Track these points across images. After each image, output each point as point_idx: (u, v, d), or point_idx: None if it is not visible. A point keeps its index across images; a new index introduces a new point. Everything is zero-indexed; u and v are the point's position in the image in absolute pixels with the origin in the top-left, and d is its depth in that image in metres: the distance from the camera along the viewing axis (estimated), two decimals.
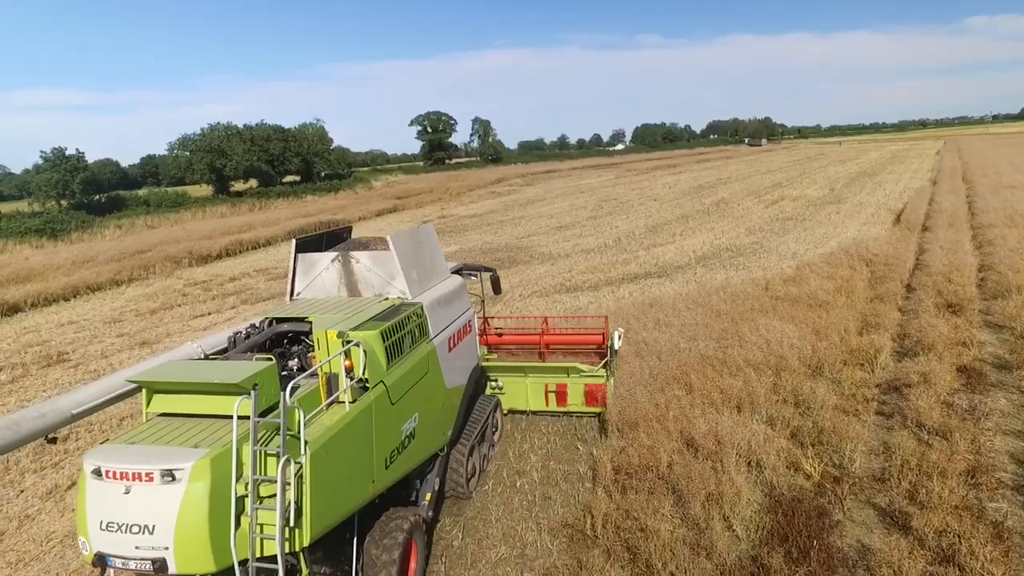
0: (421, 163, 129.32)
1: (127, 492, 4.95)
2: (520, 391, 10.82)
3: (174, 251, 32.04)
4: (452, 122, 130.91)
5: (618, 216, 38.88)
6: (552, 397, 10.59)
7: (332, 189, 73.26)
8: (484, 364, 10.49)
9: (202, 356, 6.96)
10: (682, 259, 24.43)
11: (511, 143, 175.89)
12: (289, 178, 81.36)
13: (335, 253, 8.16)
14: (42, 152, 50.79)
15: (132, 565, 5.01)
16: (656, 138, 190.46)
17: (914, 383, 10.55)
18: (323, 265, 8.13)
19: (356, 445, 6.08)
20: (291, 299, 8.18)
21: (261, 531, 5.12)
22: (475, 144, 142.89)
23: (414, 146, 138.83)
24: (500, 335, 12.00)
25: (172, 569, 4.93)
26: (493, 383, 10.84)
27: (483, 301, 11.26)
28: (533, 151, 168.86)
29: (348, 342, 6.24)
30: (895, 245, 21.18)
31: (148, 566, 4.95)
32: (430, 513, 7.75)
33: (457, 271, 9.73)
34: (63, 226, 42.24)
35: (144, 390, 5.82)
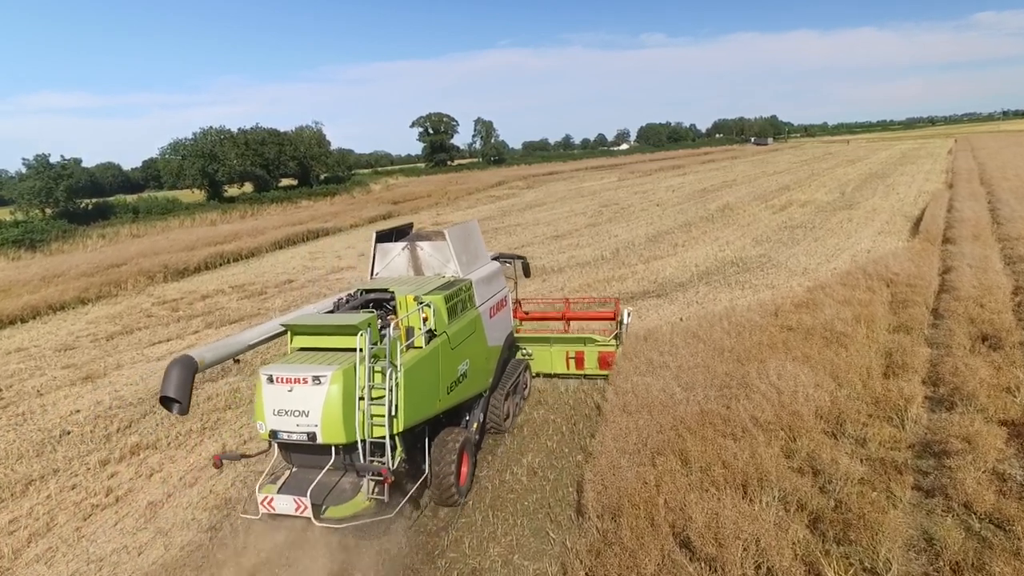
0: (423, 165, 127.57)
1: (291, 391, 7.41)
2: (546, 357, 13.16)
3: (149, 265, 30.44)
4: (454, 123, 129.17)
5: (618, 223, 37.09)
6: (572, 362, 12.97)
7: (329, 193, 71.61)
8: (517, 336, 12.85)
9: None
10: (683, 274, 22.65)
11: (515, 143, 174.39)
12: (286, 182, 79.87)
13: (404, 243, 10.79)
14: (24, 159, 49.39)
15: (294, 437, 7.51)
16: (661, 138, 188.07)
17: (956, 450, 8.76)
18: (395, 252, 10.79)
19: (430, 372, 8.46)
20: (371, 277, 10.80)
21: (372, 420, 7.58)
22: (477, 145, 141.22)
23: (417, 147, 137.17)
24: (527, 313, 14.34)
25: (319, 440, 7.40)
26: (525, 352, 13.16)
27: (515, 282, 13.54)
28: (537, 152, 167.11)
29: (422, 303, 8.59)
30: (916, 261, 19.33)
31: (304, 437, 7.45)
32: (476, 437, 10.11)
33: (496, 258, 12.11)
34: (43, 236, 40.72)
35: (289, 332, 8.45)
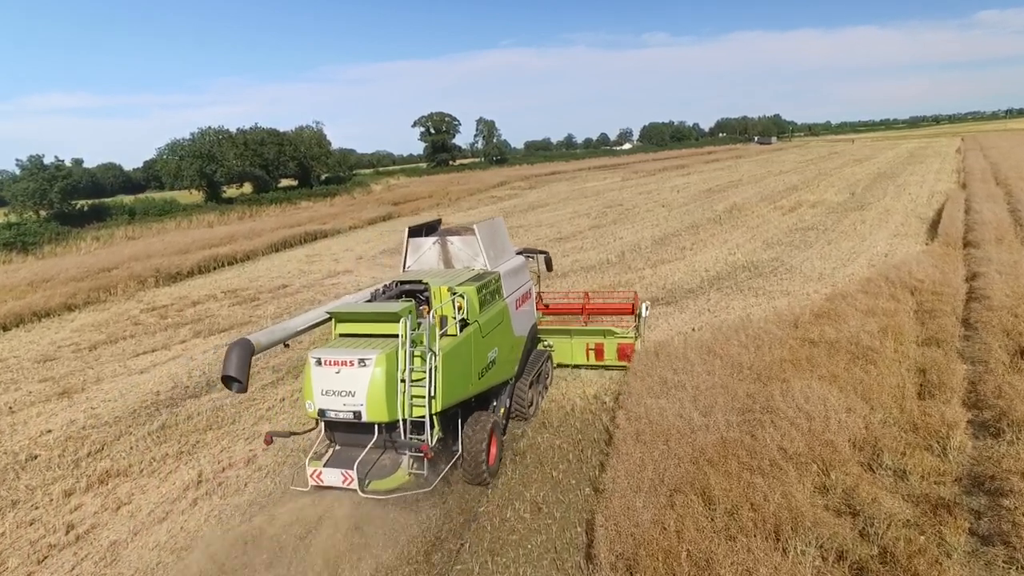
0: (424, 165, 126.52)
1: (338, 372, 8.06)
2: (567, 349, 13.70)
3: (141, 269, 29.53)
4: (455, 123, 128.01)
5: (623, 225, 36.12)
6: (592, 354, 13.53)
7: (329, 194, 70.68)
8: (539, 328, 13.25)
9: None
10: (693, 280, 21.69)
11: (517, 143, 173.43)
12: (285, 182, 78.92)
13: (436, 237, 11.26)
14: (18, 160, 48.48)
15: (340, 416, 8.14)
16: (664, 137, 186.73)
17: (1013, 488, 7.80)
18: (427, 246, 11.27)
19: (464, 357, 8.90)
20: (404, 270, 11.24)
21: (412, 400, 8.16)
22: (479, 145, 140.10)
23: (419, 147, 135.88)
24: (547, 307, 14.76)
25: (364, 417, 8.02)
26: (547, 344, 13.52)
27: (538, 276, 14.24)
28: (539, 151, 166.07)
29: (455, 294, 9.16)
30: (940, 267, 18.34)
31: (350, 416, 8.08)
32: (503, 421, 10.70)
33: (520, 252, 12.70)
34: (35, 238, 39.85)
35: (334, 319, 9.02)
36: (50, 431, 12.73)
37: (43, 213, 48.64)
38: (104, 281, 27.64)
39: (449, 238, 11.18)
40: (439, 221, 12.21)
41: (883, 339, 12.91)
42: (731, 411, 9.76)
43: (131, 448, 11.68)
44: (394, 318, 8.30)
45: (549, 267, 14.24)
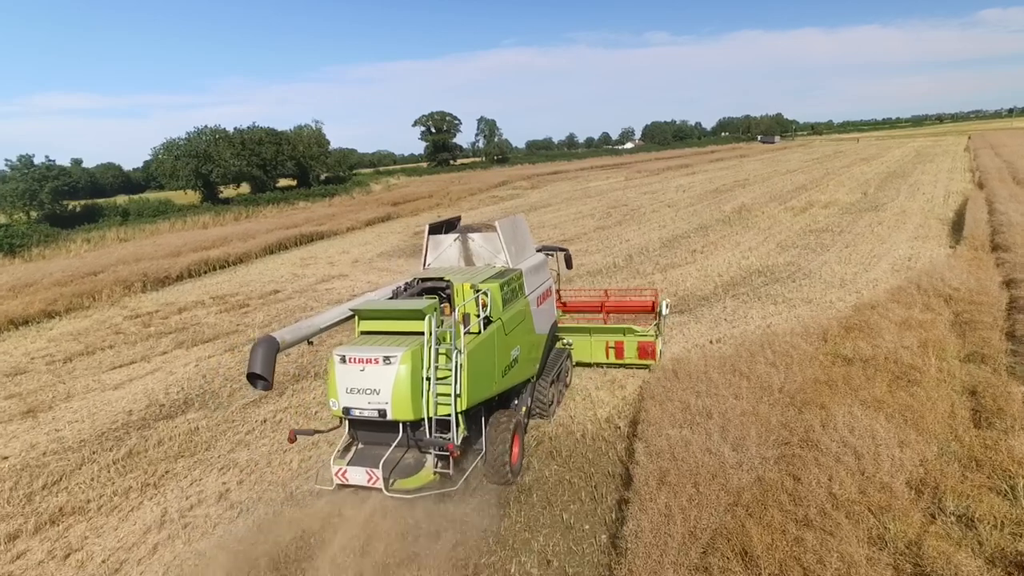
0: (425, 164, 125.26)
1: (363, 370, 7.99)
2: (586, 347, 13.34)
3: (128, 273, 28.33)
4: (456, 122, 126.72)
5: (629, 226, 34.92)
6: (612, 352, 13.18)
7: (328, 194, 69.45)
8: (557, 326, 12.82)
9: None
10: (706, 286, 20.49)
11: (519, 143, 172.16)
12: (284, 182, 77.71)
13: (456, 234, 10.97)
14: (7, 160, 47.33)
15: (365, 414, 8.09)
16: (666, 136, 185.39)
17: None
18: (447, 243, 10.99)
19: (488, 355, 8.92)
20: (424, 267, 10.96)
21: (437, 398, 8.12)
22: (480, 144, 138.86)
23: (420, 147, 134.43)
24: (565, 304, 14.61)
25: (389, 416, 7.97)
26: (566, 343, 13.19)
27: (558, 274, 13.78)
28: (541, 151, 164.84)
29: (479, 291, 9.14)
30: (972, 273, 17.13)
31: (375, 414, 8.03)
32: (525, 420, 10.35)
33: (540, 249, 12.42)
34: (23, 241, 38.68)
35: (357, 316, 9.13)
36: (6, 458, 11.55)
37: (34, 214, 47.50)
38: (89, 286, 26.44)
39: (470, 235, 11.02)
40: (459, 218, 11.95)
41: (924, 355, 11.72)
42: (766, 444, 8.56)
43: (92, 479, 10.50)
44: (419, 315, 8.18)
45: (569, 265, 13.99)
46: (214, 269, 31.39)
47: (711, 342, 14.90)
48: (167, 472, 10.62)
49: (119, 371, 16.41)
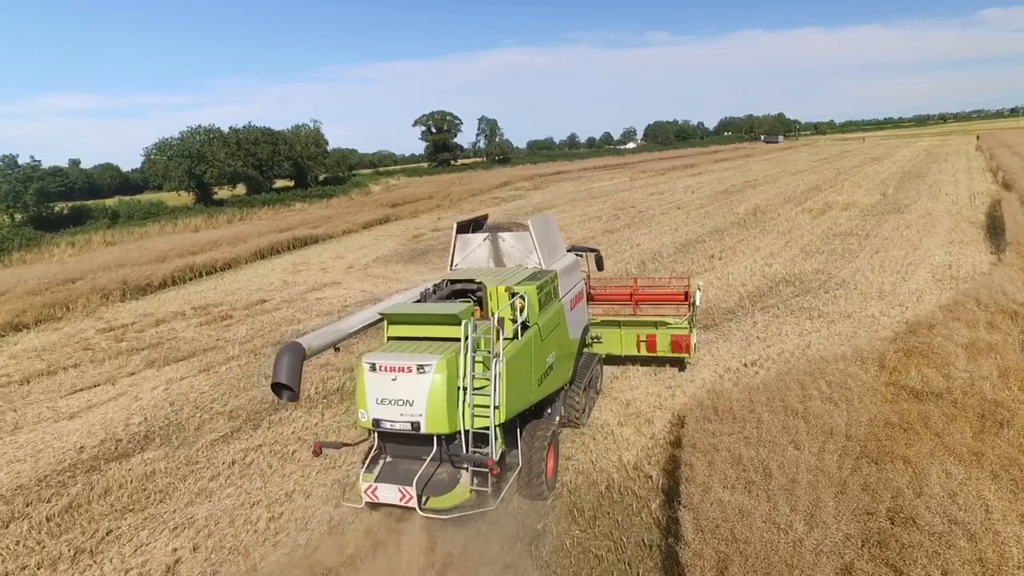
0: (425, 165, 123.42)
1: (395, 380, 7.36)
2: (616, 340, 12.84)
3: (107, 280, 26.55)
4: (457, 122, 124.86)
5: (638, 229, 33.13)
6: (643, 346, 12.63)
7: (325, 195, 67.68)
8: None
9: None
10: (730, 297, 18.74)
11: (520, 143, 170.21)
12: (281, 183, 75.91)
13: (486, 234, 10.64)
14: None
15: (397, 426, 7.45)
16: (669, 136, 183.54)
17: None
18: (476, 243, 10.67)
19: (525, 362, 8.37)
20: (451, 268, 10.60)
21: (475, 410, 7.48)
22: (481, 144, 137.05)
23: (421, 147, 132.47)
24: (592, 295, 13.49)
25: (423, 429, 7.35)
26: (594, 337, 12.46)
27: (588, 275, 12.96)
28: (542, 151, 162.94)
29: (514, 294, 8.59)
30: None
31: (408, 427, 7.38)
32: (559, 430, 9.82)
33: (571, 249, 12.00)
34: (3, 244, 36.94)
35: (386, 320, 8.43)
36: None
37: (18, 216, 45.76)
38: (64, 295, 24.67)
39: (500, 234, 10.48)
40: (486, 216, 11.50)
41: (1006, 388, 9.94)
42: (847, 517, 6.76)
43: (17, 543, 8.72)
44: (454, 320, 7.69)
45: (600, 266, 13.27)
46: (200, 276, 29.65)
47: (745, 365, 13.16)
48: (109, 533, 8.85)
49: (79, 396, 14.66)
